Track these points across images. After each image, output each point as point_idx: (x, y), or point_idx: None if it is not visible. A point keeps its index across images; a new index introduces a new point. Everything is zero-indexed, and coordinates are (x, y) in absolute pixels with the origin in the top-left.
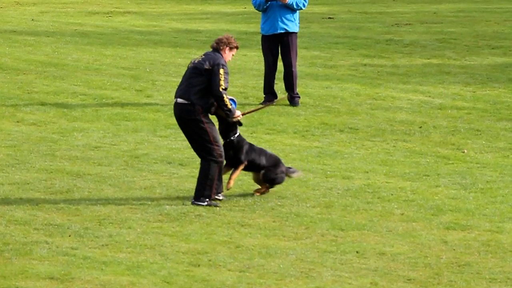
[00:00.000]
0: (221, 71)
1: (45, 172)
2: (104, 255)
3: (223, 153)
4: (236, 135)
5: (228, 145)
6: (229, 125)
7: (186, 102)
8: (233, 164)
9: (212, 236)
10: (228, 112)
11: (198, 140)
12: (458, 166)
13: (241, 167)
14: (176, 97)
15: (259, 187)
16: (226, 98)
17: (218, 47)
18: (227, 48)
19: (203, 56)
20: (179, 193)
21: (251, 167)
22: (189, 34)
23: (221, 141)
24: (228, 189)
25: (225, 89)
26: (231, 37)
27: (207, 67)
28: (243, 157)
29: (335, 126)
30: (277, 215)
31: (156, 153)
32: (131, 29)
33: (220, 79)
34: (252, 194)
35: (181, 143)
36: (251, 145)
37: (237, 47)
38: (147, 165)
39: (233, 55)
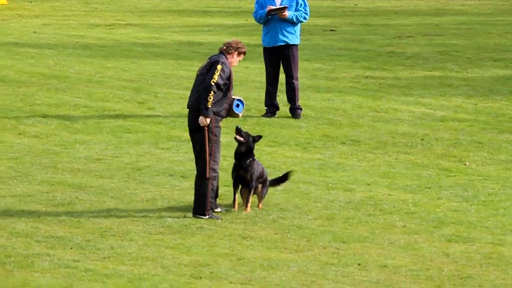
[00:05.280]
0: (219, 67)
1: (47, 185)
2: (105, 267)
3: (216, 170)
4: (249, 160)
5: (240, 166)
6: (248, 149)
7: (199, 110)
8: (243, 184)
9: (214, 248)
10: (204, 108)
11: (200, 149)
12: (460, 178)
13: (252, 191)
14: (188, 105)
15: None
16: (212, 94)
17: (227, 50)
18: (236, 52)
19: (208, 60)
20: (181, 205)
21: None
22: (191, 46)
23: (220, 159)
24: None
25: (218, 85)
26: (240, 42)
27: (208, 68)
28: (254, 181)
29: (337, 139)
30: (278, 227)
31: (158, 165)
32: (133, 41)
33: (215, 73)
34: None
35: (183, 156)
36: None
37: (244, 53)
38: (149, 178)
39: (239, 60)
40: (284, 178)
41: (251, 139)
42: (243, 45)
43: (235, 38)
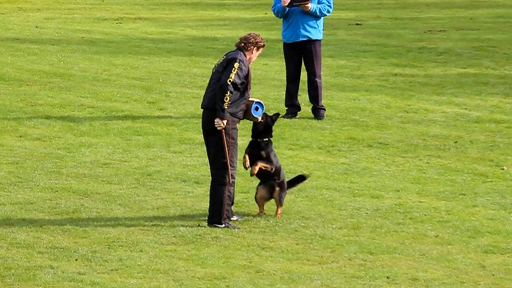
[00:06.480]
0: (236, 65)
1: (50, 191)
2: (113, 280)
3: (234, 175)
4: (267, 139)
5: (256, 144)
6: (266, 127)
7: (214, 110)
8: (255, 160)
9: (230, 260)
10: (220, 109)
11: (216, 153)
12: (497, 184)
13: (268, 165)
14: (203, 105)
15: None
16: (229, 94)
17: (245, 47)
18: (255, 48)
19: (224, 57)
20: (194, 213)
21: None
22: (206, 42)
23: (238, 163)
24: (251, 174)
25: (234, 84)
26: (258, 35)
27: (225, 66)
28: (273, 159)
29: (363, 141)
30: (300, 237)
31: (169, 170)
32: (142, 36)
33: (232, 72)
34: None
35: (197, 160)
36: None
37: (264, 45)
38: (160, 183)
39: (259, 54)
40: (299, 179)
41: (268, 118)
42: (262, 38)
43: (253, 31)
